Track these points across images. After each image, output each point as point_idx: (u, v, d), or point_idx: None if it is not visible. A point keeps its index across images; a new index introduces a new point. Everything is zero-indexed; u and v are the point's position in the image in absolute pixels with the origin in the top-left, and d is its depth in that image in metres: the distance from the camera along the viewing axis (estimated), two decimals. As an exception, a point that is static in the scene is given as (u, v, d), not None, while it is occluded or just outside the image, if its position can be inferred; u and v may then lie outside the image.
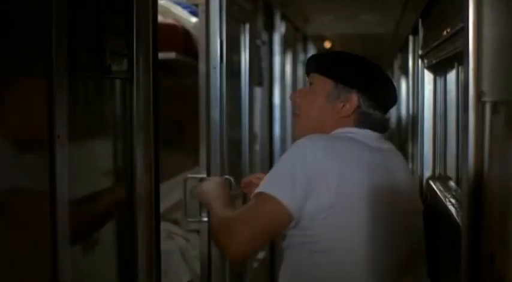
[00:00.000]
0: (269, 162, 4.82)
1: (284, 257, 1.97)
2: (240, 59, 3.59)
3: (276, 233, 1.94)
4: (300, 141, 1.89)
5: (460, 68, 3.29)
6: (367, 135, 1.98)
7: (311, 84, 2.05)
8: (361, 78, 2.01)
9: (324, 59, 2.11)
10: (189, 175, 2.70)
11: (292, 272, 1.92)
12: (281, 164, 1.89)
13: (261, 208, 1.86)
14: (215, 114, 2.88)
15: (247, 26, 3.62)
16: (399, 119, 7.95)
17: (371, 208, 1.85)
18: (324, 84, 2.01)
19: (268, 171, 1.97)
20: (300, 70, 7.45)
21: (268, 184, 1.87)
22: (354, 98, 1.98)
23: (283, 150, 5.03)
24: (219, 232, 1.93)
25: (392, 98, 2.07)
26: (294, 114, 2.11)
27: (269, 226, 1.86)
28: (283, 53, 5.51)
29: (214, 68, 2.87)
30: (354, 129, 1.99)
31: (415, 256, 1.97)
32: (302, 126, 2.05)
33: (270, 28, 5.06)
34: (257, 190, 1.88)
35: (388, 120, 2.06)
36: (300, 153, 1.85)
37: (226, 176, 2.63)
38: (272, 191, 1.84)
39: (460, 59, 2.99)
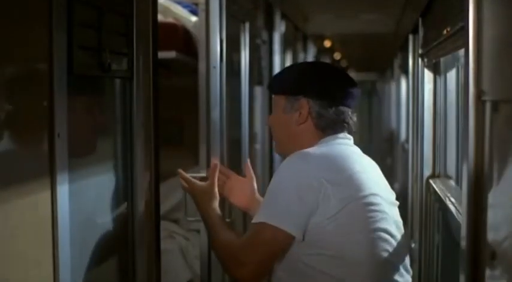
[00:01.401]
0: (269, 162, 4.82)
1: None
2: (240, 58, 3.59)
3: (282, 253, 2.00)
4: (298, 155, 1.97)
5: (460, 67, 3.29)
6: (343, 141, 2.09)
7: (273, 106, 2.19)
8: (304, 84, 2.10)
9: (275, 79, 2.23)
10: (189, 174, 2.69)
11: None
12: (278, 190, 1.94)
13: (268, 239, 1.92)
14: (215, 113, 2.87)
15: (247, 25, 3.62)
16: (399, 118, 7.95)
17: (375, 205, 1.94)
18: (279, 102, 2.14)
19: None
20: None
21: (271, 214, 1.92)
22: (304, 103, 2.08)
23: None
24: (226, 259, 2.01)
25: (345, 89, 2.10)
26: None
27: (277, 252, 1.95)
28: (283, 52, 5.51)
29: (214, 67, 2.86)
30: (331, 141, 2.07)
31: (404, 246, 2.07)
32: (278, 145, 2.20)
33: (269, 27, 5.06)
34: (260, 219, 1.93)
35: (347, 116, 2.10)
36: (296, 177, 1.92)
37: (203, 175, 2.46)
38: (277, 223, 1.90)
39: (460, 58, 2.99)
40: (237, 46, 3.55)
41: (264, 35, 4.87)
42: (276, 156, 5.15)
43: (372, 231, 1.92)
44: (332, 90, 2.09)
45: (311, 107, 2.07)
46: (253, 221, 1.98)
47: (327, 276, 1.91)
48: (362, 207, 1.92)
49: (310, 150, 2.01)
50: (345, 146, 2.08)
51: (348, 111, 2.10)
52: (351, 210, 1.90)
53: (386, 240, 1.95)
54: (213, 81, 2.88)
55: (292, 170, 1.95)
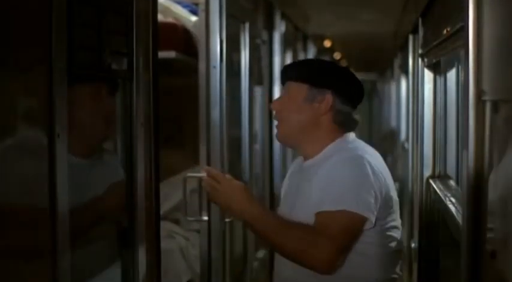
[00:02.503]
0: (269, 162, 4.81)
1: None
2: (240, 58, 3.58)
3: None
4: (358, 157, 2.07)
5: (460, 67, 3.29)
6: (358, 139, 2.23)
7: (286, 92, 2.19)
8: (332, 78, 2.16)
9: (297, 67, 2.26)
10: (189, 174, 2.69)
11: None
12: (352, 180, 2.03)
13: (347, 225, 2.01)
14: (215, 113, 2.87)
15: (247, 25, 3.61)
16: (399, 118, 7.95)
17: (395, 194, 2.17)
18: (299, 89, 2.15)
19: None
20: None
21: (349, 201, 2.01)
22: (329, 97, 2.14)
23: (283, 149, 5.02)
24: (303, 251, 2.02)
25: (361, 95, 2.24)
26: (276, 121, 2.23)
27: (354, 238, 2.06)
28: (283, 52, 5.51)
29: (214, 67, 2.87)
30: (355, 141, 2.20)
31: None
32: (284, 130, 2.19)
33: (270, 27, 5.06)
34: (336, 207, 2.00)
35: (355, 115, 2.24)
36: (367, 168, 2.04)
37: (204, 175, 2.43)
38: (357, 210, 2.00)
39: (460, 58, 2.99)
40: (237, 46, 3.55)
41: (264, 35, 4.87)
42: (276, 156, 5.14)
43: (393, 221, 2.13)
44: (352, 89, 2.19)
45: (334, 101, 2.14)
46: (327, 209, 2.01)
47: (370, 259, 2.09)
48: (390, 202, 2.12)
49: (368, 156, 2.10)
50: (364, 143, 2.21)
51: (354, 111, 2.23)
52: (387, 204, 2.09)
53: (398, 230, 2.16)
54: (213, 81, 2.88)
55: (366, 166, 2.04)
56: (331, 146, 2.15)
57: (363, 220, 2.02)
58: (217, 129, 2.91)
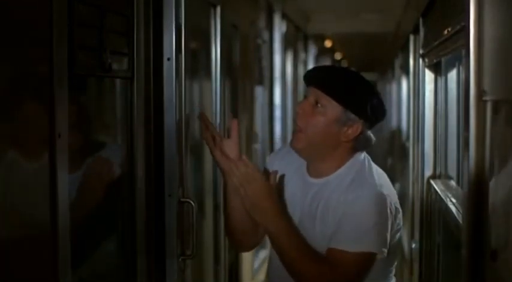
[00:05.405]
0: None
1: None
2: (210, 48, 3.10)
3: None
4: (380, 195, 2.03)
5: (461, 67, 3.29)
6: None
7: (317, 102, 2.08)
8: (367, 107, 2.10)
9: (335, 83, 2.13)
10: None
11: None
12: (373, 220, 2.01)
13: (360, 264, 2.00)
14: (169, 118, 2.18)
15: (218, 10, 3.08)
16: (400, 118, 7.95)
17: None
18: (333, 108, 2.07)
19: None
20: (301, 69, 7.45)
21: (367, 242, 2.00)
22: (359, 126, 2.08)
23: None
24: (310, 276, 1.99)
25: (384, 113, 2.21)
26: (296, 129, 2.13)
27: (365, 273, 2.04)
28: (284, 52, 5.50)
29: (169, 59, 2.18)
30: (366, 161, 2.16)
31: None
32: (305, 141, 2.09)
33: (270, 27, 5.06)
34: (353, 248, 1.98)
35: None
36: (387, 206, 2.02)
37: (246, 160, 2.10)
38: (374, 249, 2.00)
39: (461, 58, 2.99)
40: (206, 34, 3.07)
41: (265, 35, 4.87)
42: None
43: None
44: (379, 117, 2.16)
45: (363, 130, 2.11)
46: (343, 248, 1.98)
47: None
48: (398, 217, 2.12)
49: (384, 182, 2.09)
50: (373, 165, 2.18)
51: None
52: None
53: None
54: (167, 77, 2.19)
55: (381, 208, 2.02)
56: (344, 168, 2.10)
57: (378, 255, 2.01)
58: (172, 134, 2.20)
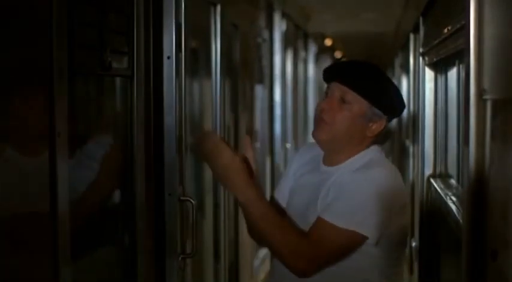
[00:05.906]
0: (270, 160, 4.81)
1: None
2: (210, 46, 3.11)
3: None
4: (384, 179, 2.06)
5: (461, 66, 3.29)
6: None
7: (342, 98, 2.08)
8: (392, 105, 2.14)
9: (361, 78, 2.13)
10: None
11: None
12: (364, 198, 2.00)
13: (343, 243, 1.99)
14: (169, 117, 2.21)
15: (218, 8, 3.10)
16: (400, 117, 7.94)
17: None
18: (359, 104, 2.08)
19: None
20: (301, 68, 7.45)
21: (357, 220, 1.98)
22: (384, 121, 2.12)
23: (283, 149, 5.02)
24: (288, 252, 1.99)
25: (401, 113, 2.28)
26: (320, 119, 2.12)
27: (347, 253, 2.02)
28: (284, 50, 5.50)
29: (169, 57, 2.21)
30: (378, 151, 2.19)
31: None
32: (330, 134, 2.11)
33: (270, 26, 5.06)
34: (341, 223, 1.97)
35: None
36: (389, 193, 2.03)
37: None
38: (361, 230, 1.97)
39: (461, 56, 2.99)
40: (206, 32, 3.08)
41: (265, 34, 4.87)
42: (276, 155, 5.15)
43: None
44: (400, 111, 2.21)
45: (386, 124, 2.14)
46: (330, 220, 1.98)
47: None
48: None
49: (393, 170, 2.13)
50: (385, 158, 2.22)
51: None
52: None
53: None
54: (167, 76, 2.21)
55: (385, 186, 2.04)
56: (358, 156, 2.12)
57: (364, 238, 1.98)
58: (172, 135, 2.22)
